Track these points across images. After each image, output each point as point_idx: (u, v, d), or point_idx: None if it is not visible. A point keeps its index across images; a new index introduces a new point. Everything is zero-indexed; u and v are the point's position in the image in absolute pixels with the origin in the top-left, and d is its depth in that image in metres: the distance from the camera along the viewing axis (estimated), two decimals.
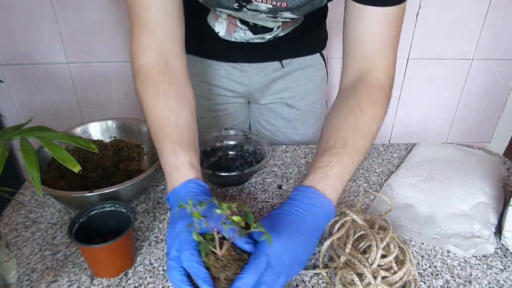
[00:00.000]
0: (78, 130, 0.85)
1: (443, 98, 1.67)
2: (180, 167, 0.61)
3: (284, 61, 0.94)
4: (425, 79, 1.62)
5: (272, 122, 1.04)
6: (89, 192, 0.65)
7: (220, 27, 0.84)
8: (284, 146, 0.96)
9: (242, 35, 0.83)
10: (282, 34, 0.85)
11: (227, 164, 0.86)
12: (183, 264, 0.50)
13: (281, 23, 0.81)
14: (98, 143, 0.85)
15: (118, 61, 1.46)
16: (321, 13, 0.91)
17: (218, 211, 0.50)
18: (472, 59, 1.58)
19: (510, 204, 0.64)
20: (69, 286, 0.60)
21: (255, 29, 0.82)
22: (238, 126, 1.06)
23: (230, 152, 0.89)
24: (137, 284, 0.60)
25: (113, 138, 0.87)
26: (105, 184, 0.76)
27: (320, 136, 0.70)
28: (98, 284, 0.60)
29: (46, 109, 1.54)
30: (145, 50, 0.68)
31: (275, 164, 0.89)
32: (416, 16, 1.44)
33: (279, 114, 1.02)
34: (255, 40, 0.85)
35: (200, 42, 0.89)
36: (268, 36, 0.84)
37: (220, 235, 0.53)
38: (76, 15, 1.36)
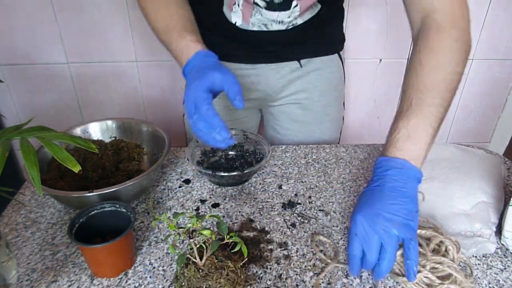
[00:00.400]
0: (78, 130, 0.85)
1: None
2: (189, 44, 0.70)
3: (302, 61, 0.93)
4: None
5: (287, 126, 1.02)
6: (89, 192, 0.65)
7: (236, 16, 0.82)
8: (284, 146, 0.96)
9: (260, 17, 0.81)
10: (300, 21, 0.83)
11: (227, 164, 0.86)
12: (201, 116, 0.62)
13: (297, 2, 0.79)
14: (98, 143, 0.85)
15: (118, 61, 1.46)
16: (337, 6, 0.90)
17: (189, 225, 0.52)
18: (472, 59, 1.58)
19: (510, 204, 0.64)
20: (69, 286, 0.60)
21: (272, 4, 0.79)
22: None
23: (230, 152, 0.89)
24: (137, 284, 0.60)
25: (113, 138, 0.87)
26: (105, 184, 0.76)
27: (403, 86, 0.70)
28: (98, 284, 0.60)
29: (46, 109, 1.54)
30: None
31: (275, 164, 0.89)
32: None
33: (293, 117, 1.00)
34: (273, 27, 0.83)
35: (214, 42, 0.86)
36: (286, 19, 0.82)
37: (199, 245, 0.53)
38: (76, 15, 1.36)
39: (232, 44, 0.87)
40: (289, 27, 0.84)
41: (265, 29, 0.84)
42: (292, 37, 0.87)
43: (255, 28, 0.84)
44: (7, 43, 1.39)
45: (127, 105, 1.56)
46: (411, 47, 0.66)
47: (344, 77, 1.02)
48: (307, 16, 0.84)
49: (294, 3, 0.80)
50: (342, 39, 0.99)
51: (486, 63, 1.59)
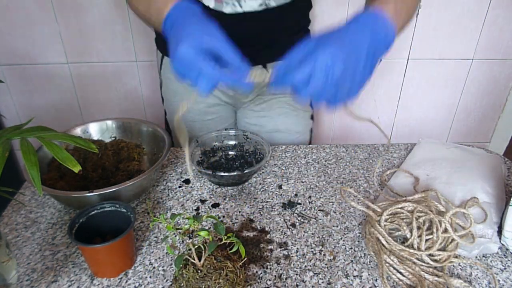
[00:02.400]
0: (78, 130, 0.85)
1: (443, 98, 1.67)
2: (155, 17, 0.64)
3: (268, 66, 0.91)
4: (425, 79, 1.62)
5: (254, 122, 1.03)
6: (89, 192, 0.65)
7: (208, 0, 0.81)
8: (284, 146, 0.96)
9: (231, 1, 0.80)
10: (273, 4, 0.81)
11: (227, 164, 0.86)
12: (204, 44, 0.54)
13: None
14: (98, 143, 0.85)
15: (118, 61, 1.46)
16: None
17: (187, 226, 0.52)
18: (472, 59, 1.58)
19: (510, 204, 0.64)
20: (69, 286, 0.60)
21: None
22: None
23: (230, 152, 0.89)
24: (137, 284, 0.60)
25: (113, 138, 0.87)
26: (105, 184, 0.76)
27: None
28: (98, 284, 0.60)
29: (46, 109, 1.54)
30: None
31: (275, 164, 0.89)
32: (416, 16, 1.44)
33: (259, 113, 1.01)
34: (247, 3, 0.80)
35: None
36: (258, 8, 0.80)
37: (197, 246, 0.53)
38: (76, 15, 1.36)
39: None
40: (262, 7, 0.82)
41: (239, 9, 0.81)
42: (269, 28, 0.85)
43: (229, 9, 0.81)
44: (7, 43, 1.39)
45: (127, 105, 1.56)
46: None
47: None
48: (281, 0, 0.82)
49: None
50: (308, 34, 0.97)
51: (486, 63, 1.59)
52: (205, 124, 1.02)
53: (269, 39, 0.89)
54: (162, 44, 0.96)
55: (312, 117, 1.06)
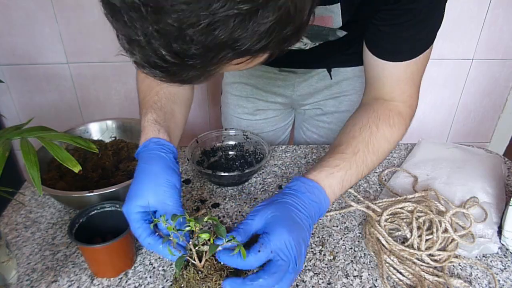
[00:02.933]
0: (78, 130, 0.85)
1: (443, 98, 1.67)
2: (145, 126, 0.62)
3: (332, 71, 0.89)
4: (425, 79, 1.61)
5: (312, 129, 1.03)
6: (89, 192, 0.65)
7: None
8: (284, 146, 0.96)
9: None
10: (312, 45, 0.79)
11: (227, 164, 0.86)
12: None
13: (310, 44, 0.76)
14: (98, 143, 0.85)
15: (118, 61, 1.46)
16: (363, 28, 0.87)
17: (187, 228, 0.50)
18: (472, 59, 1.58)
19: (510, 204, 0.64)
20: (69, 286, 0.60)
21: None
22: (277, 132, 1.06)
23: (230, 152, 0.89)
24: (137, 284, 0.60)
25: (113, 138, 0.87)
26: (105, 184, 0.76)
27: (335, 138, 0.70)
28: (98, 284, 0.60)
29: (46, 109, 1.54)
30: None
31: (275, 164, 0.89)
32: None
33: (319, 123, 1.00)
34: (294, 48, 0.78)
35: None
36: (304, 47, 0.77)
37: (198, 247, 0.52)
38: (76, 15, 1.36)
39: None
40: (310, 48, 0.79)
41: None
42: (316, 54, 0.81)
43: None
44: (7, 43, 1.39)
45: (127, 105, 1.56)
46: None
47: None
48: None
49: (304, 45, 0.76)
50: None
51: (486, 63, 1.59)
52: (253, 124, 1.02)
53: (326, 53, 0.84)
54: None
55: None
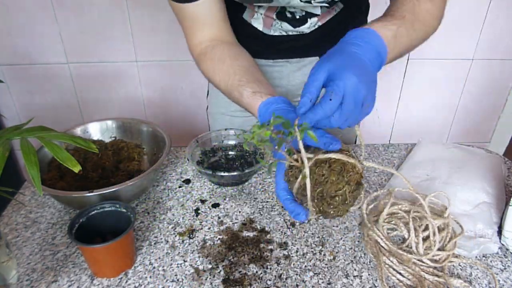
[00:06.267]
0: (78, 130, 0.85)
1: (443, 98, 1.68)
2: (249, 103, 0.66)
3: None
4: (425, 79, 1.62)
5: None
6: (89, 192, 0.65)
7: (257, 23, 0.84)
8: None
9: (280, 28, 0.83)
10: (320, 24, 0.83)
11: (227, 164, 0.86)
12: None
13: (319, 11, 0.79)
14: (98, 143, 0.85)
15: (118, 61, 1.46)
16: (360, 3, 0.89)
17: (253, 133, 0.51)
18: (472, 59, 1.58)
19: (510, 204, 0.64)
20: (69, 286, 0.60)
21: (293, 22, 0.81)
22: None
23: (230, 152, 0.89)
24: (137, 284, 0.60)
25: (113, 138, 0.87)
26: (105, 184, 0.76)
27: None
28: (98, 284, 0.60)
29: (46, 109, 1.54)
30: (199, 42, 0.76)
31: None
32: None
33: None
34: (294, 33, 0.84)
35: (239, 39, 0.88)
36: (307, 30, 0.83)
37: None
38: (76, 15, 1.36)
39: (255, 41, 0.87)
40: (311, 29, 0.84)
41: (285, 34, 0.85)
42: (314, 39, 0.86)
43: (277, 33, 0.85)
44: (7, 43, 1.39)
45: (127, 105, 1.56)
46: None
47: None
48: (328, 17, 0.84)
49: (314, 11, 0.80)
50: None
51: (486, 63, 1.59)
52: (248, 120, 1.01)
53: (318, 39, 0.88)
54: None
55: None
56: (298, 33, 0.84)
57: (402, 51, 0.63)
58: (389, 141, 1.80)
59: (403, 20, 0.62)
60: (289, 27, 0.83)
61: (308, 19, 0.81)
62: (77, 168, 0.54)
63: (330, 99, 0.49)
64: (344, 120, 0.51)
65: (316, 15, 0.81)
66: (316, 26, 0.84)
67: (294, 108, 0.61)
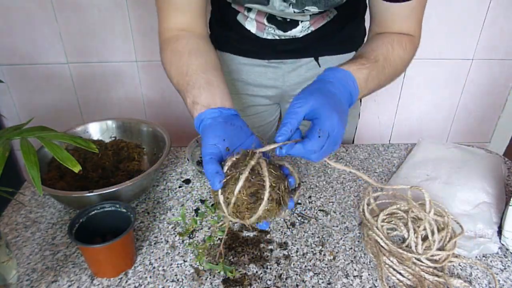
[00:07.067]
0: (78, 130, 0.85)
1: (443, 98, 1.67)
2: (190, 111, 0.66)
3: (320, 60, 0.92)
4: (425, 79, 1.62)
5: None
6: (89, 192, 0.65)
7: (250, 26, 0.84)
8: None
9: (273, 32, 0.83)
10: (313, 29, 0.84)
11: None
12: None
13: (309, 18, 0.81)
14: (98, 143, 0.85)
15: (118, 61, 1.46)
16: (355, 8, 0.90)
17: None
18: (472, 59, 1.58)
19: (510, 204, 0.64)
20: (69, 286, 0.60)
21: (284, 26, 0.81)
22: (265, 127, 1.06)
23: None
24: (137, 284, 0.60)
25: (113, 138, 0.87)
26: (105, 184, 0.76)
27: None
28: (98, 284, 0.60)
29: (46, 109, 1.54)
30: (169, 28, 0.75)
31: None
32: None
33: None
34: (287, 37, 0.85)
35: (234, 40, 0.89)
36: (299, 34, 0.84)
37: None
38: (76, 15, 1.36)
39: (250, 42, 0.88)
40: (303, 34, 0.85)
41: (278, 38, 0.85)
42: (308, 42, 0.87)
43: (270, 37, 0.85)
44: (7, 43, 1.39)
45: (127, 105, 1.56)
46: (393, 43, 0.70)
47: None
48: (322, 23, 0.84)
49: (305, 19, 0.81)
50: (363, 35, 0.97)
51: (486, 63, 1.59)
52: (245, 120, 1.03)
53: (313, 42, 0.89)
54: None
55: (359, 115, 1.07)
56: (291, 37, 0.85)
57: (370, 92, 0.68)
58: (389, 141, 1.80)
59: (376, 64, 0.67)
60: (281, 32, 0.83)
61: (300, 22, 0.81)
62: (77, 168, 0.54)
63: (319, 136, 0.54)
64: (323, 155, 0.56)
65: (306, 20, 0.82)
66: (309, 31, 0.84)
67: (230, 120, 0.61)
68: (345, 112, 0.59)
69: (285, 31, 0.83)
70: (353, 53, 0.96)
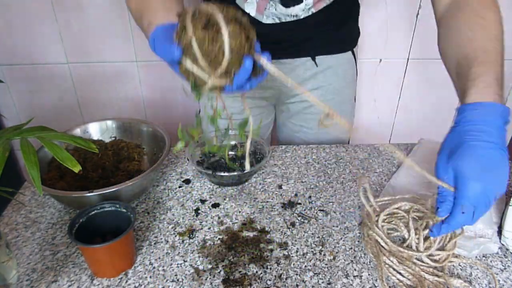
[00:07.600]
0: (78, 130, 0.85)
1: (443, 98, 1.67)
2: (146, 32, 0.64)
3: (317, 59, 0.93)
4: (425, 79, 1.61)
5: (300, 123, 1.03)
6: (89, 192, 0.65)
7: (250, 7, 0.83)
8: (284, 146, 0.96)
9: (274, 11, 0.83)
10: (314, 10, 0.84)
11: (227, 164, 0.86)
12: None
13: None
14: (98, 143, 0.85)
15: (118, 61, 1.46)
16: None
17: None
18: None
19: (510, 204, 0.64)
20: (69, 286, 0.60)
21: (287, 1, 0.81)
22: (261, 130, 1.06)
23: (230, 152, 0.89)
24: (137, 284, 0.60)
25: (113, 138, 0.87)
26: (105, 184, 0.76)
27: (446, 60, 0.69)
28: (98, 284, 0.60)
29: (46, 109, 1.54)
30: None
31: (275, 164, 0.89)
32: (416, 16, 1.44)
33: (307, 114, 1.01)
34: (288, 19, 0.84)
35: None
36: (301, 13, 0.83)
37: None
38: (76, 15, 1.36)
39: None
40: (306, 18, 0.84)
41: (278, 21, 0.84)
42: (305, 30, 0.86)
43: (269, 21, 0.84)
44: (7, 43, 1.39)
45: (127, 105, 1.56)
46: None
47: (357, 74, 1.03)
48: (322, 4, 0.84)
49: (306, 1, 0.81)
50: (357, 36, 0.99)
51: None
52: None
53: (310, 36, 0.89)
54: None
55: (354, 98, 1.06)
56: (292, 20, 0.84)
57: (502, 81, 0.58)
58: (389, 141, 1.80)
59: (490, 56, 0.58)
60: (283, 10, 0.82)
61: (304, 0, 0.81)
62: (77, 168, 0.54)
63: (463, 212, 0.53)
64: (474, 221, 0.54)
65: None
66: (310, 13, 0.84)
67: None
68: (495, 162, 0.52)
69: (287, 6, 0.82)
70: (349, 52, 0.97)
